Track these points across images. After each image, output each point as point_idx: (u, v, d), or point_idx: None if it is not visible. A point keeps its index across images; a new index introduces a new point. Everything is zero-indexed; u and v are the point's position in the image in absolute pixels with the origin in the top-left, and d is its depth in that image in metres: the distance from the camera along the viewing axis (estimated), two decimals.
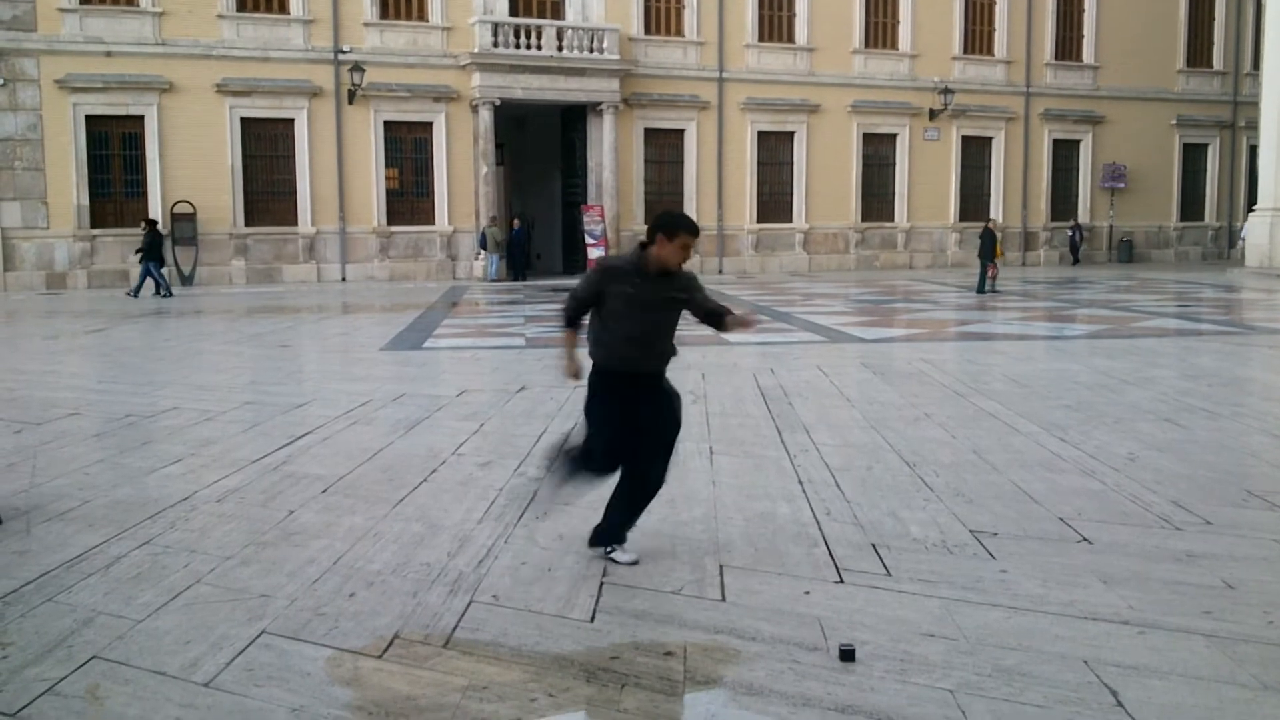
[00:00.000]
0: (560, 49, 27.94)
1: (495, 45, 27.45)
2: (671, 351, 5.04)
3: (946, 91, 32.23)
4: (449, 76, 27.79)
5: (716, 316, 4.97)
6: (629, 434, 4.93)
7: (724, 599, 4.48)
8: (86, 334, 15.69)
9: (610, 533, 5.02)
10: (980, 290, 22.23)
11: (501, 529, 5.48)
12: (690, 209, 30.16)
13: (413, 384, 10.63)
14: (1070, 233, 34.30)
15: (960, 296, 22.02)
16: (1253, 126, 32.74)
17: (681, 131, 30.38)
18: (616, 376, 4.92)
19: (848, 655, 3.84)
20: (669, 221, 4.86)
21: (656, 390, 5.00)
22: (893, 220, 33.00)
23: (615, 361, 4.91)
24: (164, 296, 22.65)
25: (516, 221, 29.36)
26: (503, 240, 28.53)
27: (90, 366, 12.56)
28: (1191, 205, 36.66)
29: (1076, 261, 33.96)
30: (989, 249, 22.16)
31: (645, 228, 5.09)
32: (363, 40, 27.12)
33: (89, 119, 25.14)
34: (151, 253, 22.56)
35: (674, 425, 5.04)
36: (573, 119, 29.81)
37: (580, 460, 5.03)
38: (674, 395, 5.07)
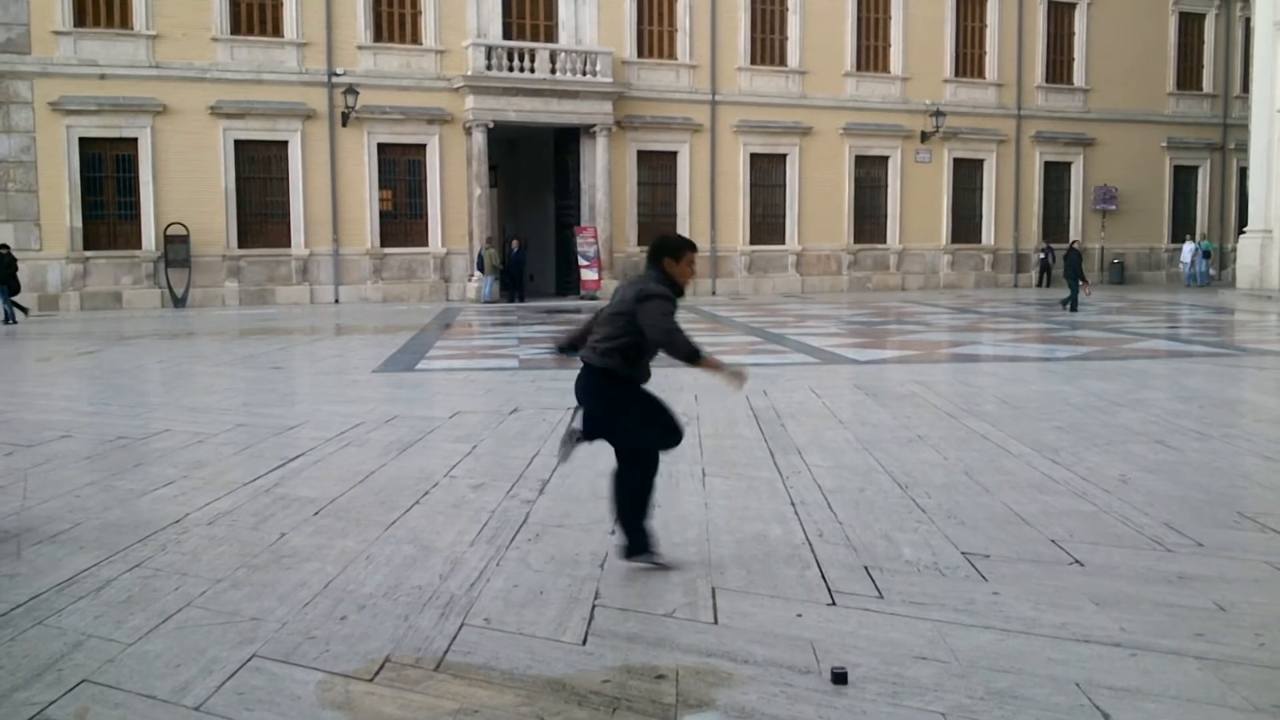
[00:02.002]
0: (553, 72, 28.07)
1: (489, 68, 27.57)
2: None
3: (938, 114, 32.41)
4: (442, 99, 27.89)
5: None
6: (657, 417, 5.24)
7: (716, 621, 4.47)
8: (79, 356, 15.67)
9: (644, 540, 5.18)
10: (1072, 309, 22.66)
11: (494, 551, 5.47)
12: (683, 230, 30.15)
13: (405, 406, 10.62)
14: (1041, 255, 34.29)
15: (952, 318, 22.08)
16: (1243, 149, 32.99)
17: (674, 154, 30.50)
18: (637, 386, 5.21)
19: (840, 678, 3.83)
20: (676, 244, 5.25)
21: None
22: (885, 242, 33.11)
23: (641, 376, 5.19)
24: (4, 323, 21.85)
25: (515, 243, 29.41)
26: (499, 262, 28.58)
27: (82, 388, 12.54)
28: (1182, 227, 36.83)
29: (1047, 284, 33.90)
30: (1076, 268, 22.51)
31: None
32: (356, 63, 27.24)
33: (83, 141, 25.20)
34: (4, 278, 22.01)
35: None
36: (566, 141, 29.92)
37: (644, 468, 5.18)
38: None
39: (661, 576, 5.05)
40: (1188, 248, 34.80)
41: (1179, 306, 25.15)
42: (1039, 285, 33.91)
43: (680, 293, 5.16)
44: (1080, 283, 22.59)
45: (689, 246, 5.24)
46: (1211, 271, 34.80)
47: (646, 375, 5.22)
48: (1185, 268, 34.89)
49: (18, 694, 3.78)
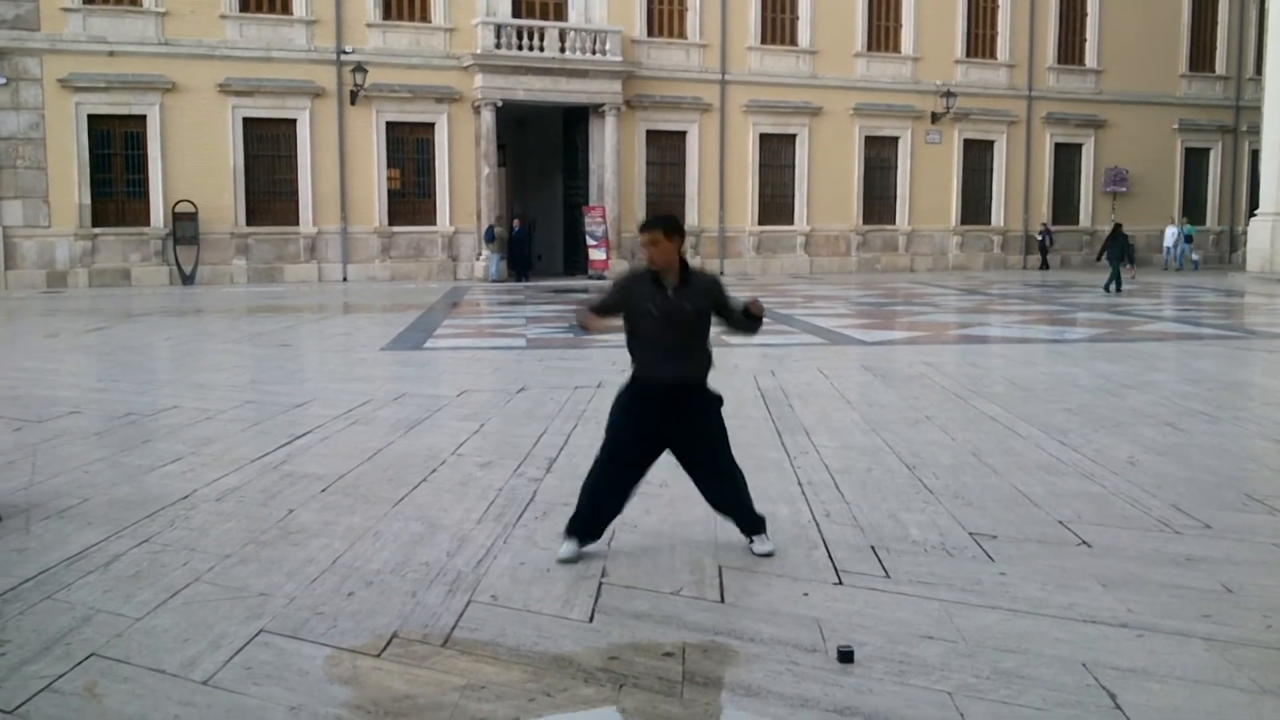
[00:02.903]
0: (563, 50, 27.96)
1: (498, 46, 27.47)
2: (708, 359, 5.08)
3: (948, 95, 32.24)
4: (451, 77, 27.81)
5: (745, 318, 5.09)
6: (638, 446, 5.02)
7: (723, 600, 4.48)
8: (87, 332, 15.70)
9: (586, 527, 5.06)
10: (1117, 290, 22.76)
11: (501, 529, 5.48)
12: (692, 211, 30.22)
13: (413, 384, 10.63)
14: (1040, 236, 34.10)
15: (960, 299, 22.02)
16: (1255, 131, 32.74)
17: (683, 133, 30.39)
18: (651, 385, 4.96)
19: (846, 657, 3.84)
20: (641, 224, 5.02)
21: (691, 402, 5.02)
22: (894, 223, 33.00)
23: (648, 371, 4.97)
24: None
25: (517, 221, 29.37)
26: (508, 240, 28.52)
27: (91, 365, 12.56)
28: (1193, 209, 36.61)
29: (1045, 266, 33.74)
30: (1122, 249, 22.55)
31: None
32: (365, 41, 27.15)
33: (91, 118, 25.17)
34: None
35: (715, 438, 5.11)
36: (575, 120, 29.83)
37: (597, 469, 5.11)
38: (713, 400, 5.10)
39: (669, 555, 5.05)
40: (1170, 231, 34.56)
41: (1188, 289, 25.06)
42: (1042, 268, 33.70)
43: (686, 279, 4.92)
44: (1125, 264, 22.65)
45: (646, 227, 4.92)
46: (1195, 255, 34.50)
47: (658, 372, 4.93)
48: (1167, 251, 34.66)
49: (27, 667, 3.80)
